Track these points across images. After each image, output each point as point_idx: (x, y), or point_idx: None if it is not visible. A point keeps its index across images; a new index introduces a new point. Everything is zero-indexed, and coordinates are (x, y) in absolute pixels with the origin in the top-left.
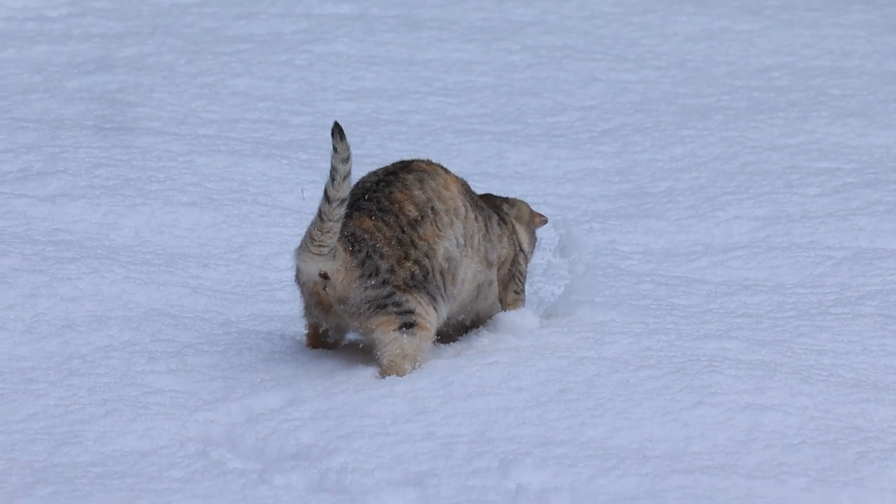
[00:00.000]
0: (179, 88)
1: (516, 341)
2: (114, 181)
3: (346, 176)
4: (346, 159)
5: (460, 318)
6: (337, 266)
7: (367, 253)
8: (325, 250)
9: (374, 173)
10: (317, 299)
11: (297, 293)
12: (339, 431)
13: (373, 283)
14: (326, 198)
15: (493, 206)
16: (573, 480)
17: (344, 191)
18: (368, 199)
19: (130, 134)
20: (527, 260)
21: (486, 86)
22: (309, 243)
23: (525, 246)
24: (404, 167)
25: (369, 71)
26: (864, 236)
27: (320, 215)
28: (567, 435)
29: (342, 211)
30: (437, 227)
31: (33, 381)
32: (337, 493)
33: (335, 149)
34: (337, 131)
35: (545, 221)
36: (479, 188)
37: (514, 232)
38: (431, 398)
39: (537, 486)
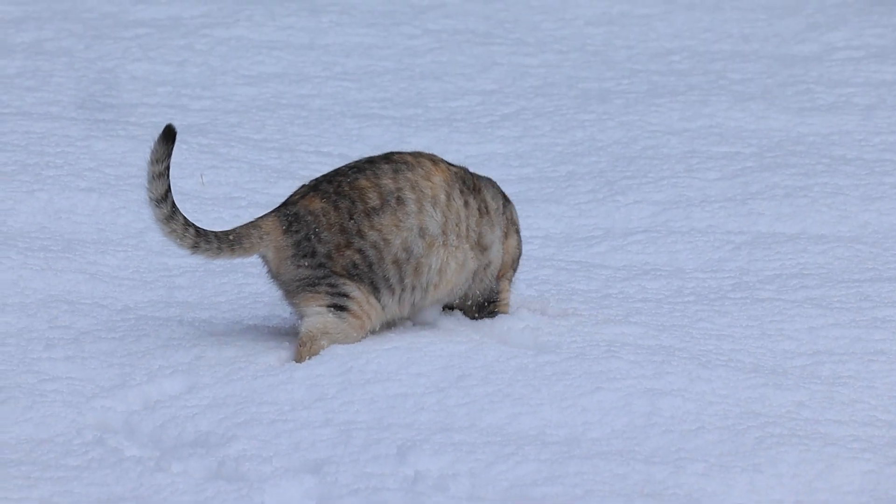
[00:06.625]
0: (78, 73)
1: (415, 326)
2: (11, 167)
3: (159, 176)
4: (157, 161)
5: (455, 303)
6: (267, 245)
7: (306, 235)
8: (186, 240)
9: (356, 161)
10: (267, 267)
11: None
12: (237, 419)
13: (307, 263)
14: (148, 198)
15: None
16: (472, 467)
17: (157, 190)
18: (329, 182)
19: (28, 119)
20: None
21: (387, 70)
22: (171, 239)
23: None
24: (386, 157)
25: (269, 55)
26: (763, 220)
27: (154, 216)
28: (466, 421)
29: (167, 209)
30: (398, 216)
31: None
32: (234, 481)
33: (151, 149)
34: (162, 134)
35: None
36: None
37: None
38: (330, 385)
39: (436, 473)
